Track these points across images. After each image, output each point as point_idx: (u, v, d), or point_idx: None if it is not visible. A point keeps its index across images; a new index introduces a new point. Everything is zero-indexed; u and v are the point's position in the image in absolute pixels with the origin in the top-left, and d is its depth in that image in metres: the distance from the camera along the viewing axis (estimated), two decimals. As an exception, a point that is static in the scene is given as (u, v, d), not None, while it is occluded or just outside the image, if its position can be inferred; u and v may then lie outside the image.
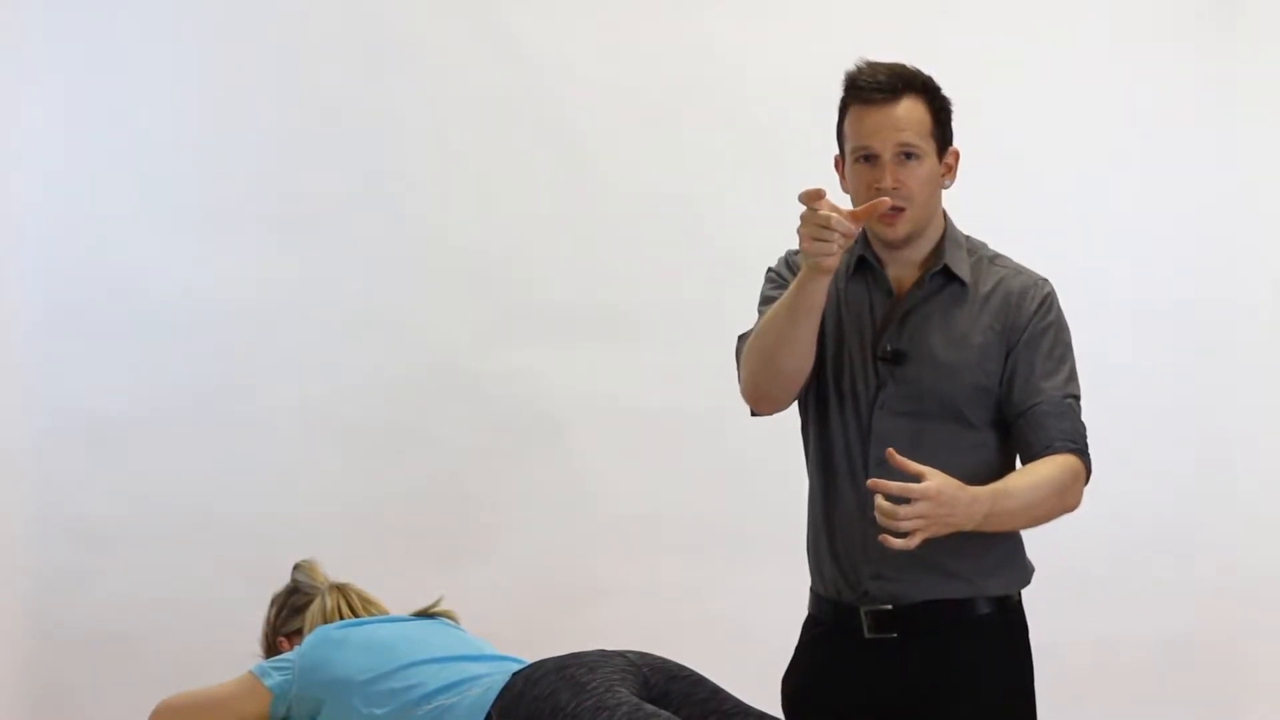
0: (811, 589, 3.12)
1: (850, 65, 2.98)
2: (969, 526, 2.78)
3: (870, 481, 2.74)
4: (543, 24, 4.84)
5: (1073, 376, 2.99)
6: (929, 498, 2.70)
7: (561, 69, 4.83)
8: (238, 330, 4.78)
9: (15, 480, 4.74)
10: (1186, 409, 4.81)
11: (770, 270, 3.11)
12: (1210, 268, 4.84)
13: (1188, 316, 4.82)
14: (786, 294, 2.91)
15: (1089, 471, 2.95)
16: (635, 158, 4.82)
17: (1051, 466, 2.90)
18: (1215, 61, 4.84)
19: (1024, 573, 3.05)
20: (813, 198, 2.79)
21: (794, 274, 3.02)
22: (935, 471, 2.74)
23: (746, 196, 4.77)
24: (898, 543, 2.71)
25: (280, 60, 4.82)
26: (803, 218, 2.81)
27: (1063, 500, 2.91)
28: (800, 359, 2.95)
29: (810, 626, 3.13)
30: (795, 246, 2.92)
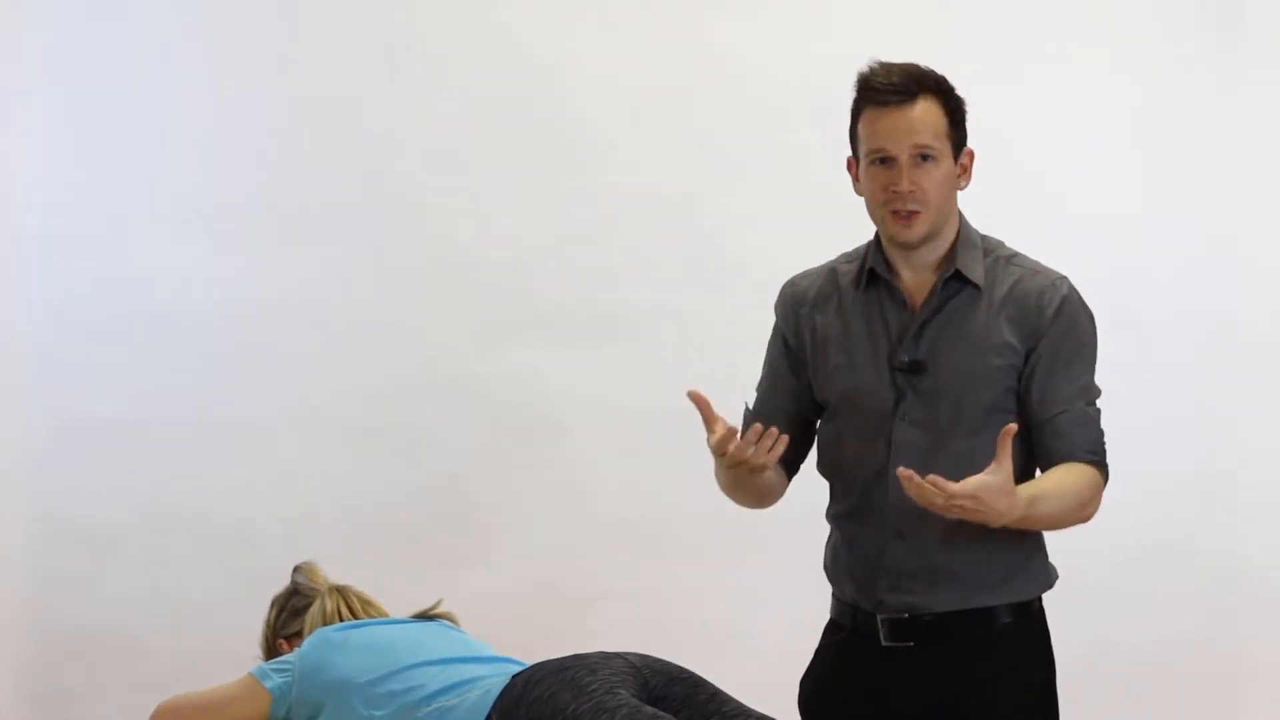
0: (833, 593, 3.11)
1: (863, 67, 2.96)
2: (997, 524, 2.82)
3: (902, 472, 2.76)
4: (543, 24, 4.84)
5: (1093, 380, 2.99)
6: (972, 494, 2.75)
7: (561, 69, 4.83)
8: (238, 333, 4.79)
9: (17, 482, 4.74)
10: (1186, 410, 4.80)
11: (776, 316, 3.14)
12: (1210, 270, 4.83)
13: (1187, 319, 4.81)
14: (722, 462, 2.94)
15: (1106, 481, 2.99)
16: (635, 158, 4.81)
17: (1079, 478, 2.92)
18: (1216, 63, 4.83)
19: (1045, 577, 3.05)
20: (718, 452, 2.86)
21: (784, 317, 3.08)
22: (973, 478, 2.77)
23: (746, 196, 4.76)
24: (933, 497, 2.75)
25: (280, 61, 4.82)
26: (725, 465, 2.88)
27: (1083, 512, 2.95)
28: (768, 496, 3.06)
29: (830, 631, 3.12)
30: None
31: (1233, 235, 4.82)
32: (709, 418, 2.87)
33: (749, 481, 2.94)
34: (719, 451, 2.84)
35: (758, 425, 2.83)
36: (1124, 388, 4.61)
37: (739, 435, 2.84)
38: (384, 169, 4.83)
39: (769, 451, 2.82)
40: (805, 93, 4.71)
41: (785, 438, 2.84)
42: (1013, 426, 2.78)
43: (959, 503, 2.75)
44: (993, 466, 2.76)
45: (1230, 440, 4.81)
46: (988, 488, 2.75)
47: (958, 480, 2.77)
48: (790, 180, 4.62)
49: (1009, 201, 4.60)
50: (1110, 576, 4.73)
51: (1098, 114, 4.81)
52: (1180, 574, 4.76)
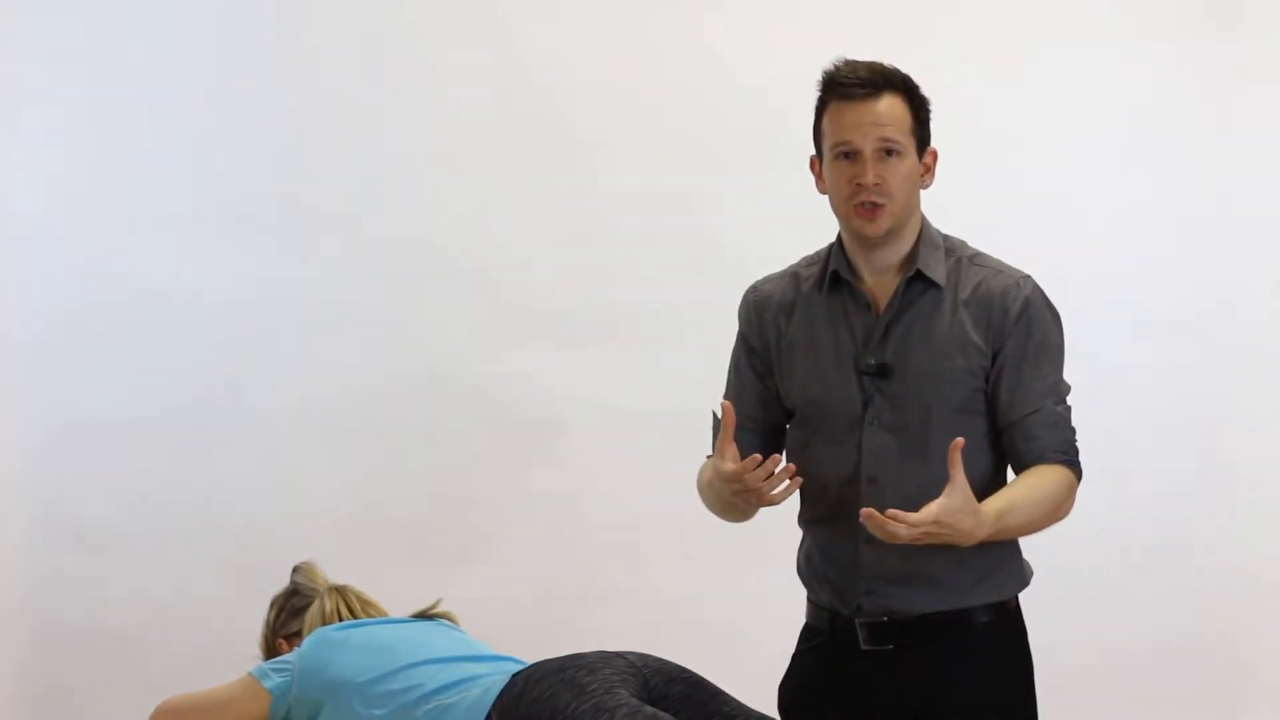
0: (808, 598, 3.11)
1: (828, 64, 2.97)
2: (968, 544, 2.80)
3: (864, 512, 2.74)
4: (543, 24, 4.84)
5: (1061, 377, 2.97)
6: (934, 520, 2.73)
7: (561, 69, 4.83)
8: (237, 333, 4.79)
9: (17, 482, 4.75)
10: (1186, 410, 4.81)
11: (739, 323, 3.12)
12: (1210, 269, 4.84)
13: (1187, 318, 4.81)
14: (713, 476, 2.91)
15: (1079, 479, 2.95)
16: (635, 158, 4.81)
17: (1050, 481, 2.90)
18: (1216, 63, 4.83)
19: (1021, 576, 3.03)
20: (731, 478, 2.82)
21: (748, 322, 3.07)
22: (932, 504, 2.75)
23: (746, 197, 4.76)
24: (896, 530, 2.73)
25: (279, 62, 4.83)
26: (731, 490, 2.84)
27: (1057, 514, 2.92)
28: (749, 512, 2.98)
29: (807, 636, 3.11)
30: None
31: (1233, 235, 4.82)
32: (727, 438, 2.85)
33: (741, 504, 2.91)
34: (733, 478, 2.81)
35: (776, 456, 2.82)
36: (1124, 387, 4.65)
37: (734, 451, 2.83)
38: (384, 169, 4.83)
39: (780, 490, 2.81)
40: (805, 93, 4.70)
41: (799, 480, 2.82)
42: (960, 441, 2.76)
43: (923, 530, 2.73)
44: (949, 488, 2.74)
45: (1230, 440, 4.81)
46: (948, 510, 2.74)
47: (930, 483, 2.79)
48: (790, 180, 4.62)
49: (1009, 201, 4.61)
50: (1109, 576, 4.73)
51: (1098, 114, 4.81)
52: (1180, 573, 4.76)
